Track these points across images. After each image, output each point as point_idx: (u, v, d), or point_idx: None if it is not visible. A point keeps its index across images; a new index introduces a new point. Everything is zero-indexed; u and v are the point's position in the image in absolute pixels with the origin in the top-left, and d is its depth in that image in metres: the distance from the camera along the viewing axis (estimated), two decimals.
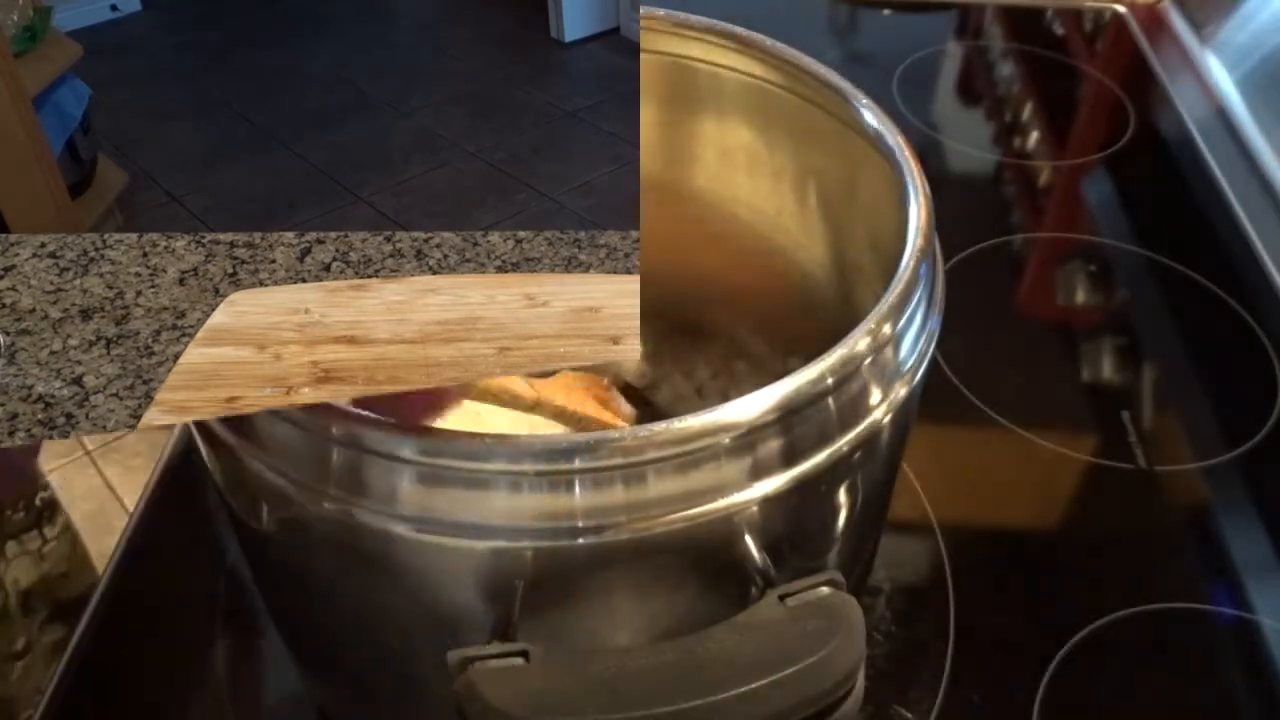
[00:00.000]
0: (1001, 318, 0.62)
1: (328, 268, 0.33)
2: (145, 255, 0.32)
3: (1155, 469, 0.52)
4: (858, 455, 0.28)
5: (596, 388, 0.43)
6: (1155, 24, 0.86)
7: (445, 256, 0.47)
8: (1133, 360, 0.59)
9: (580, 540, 0.25)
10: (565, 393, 0.41)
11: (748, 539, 0.27)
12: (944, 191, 0.65)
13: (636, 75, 0.40)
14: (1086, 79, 0.82)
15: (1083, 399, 0.57)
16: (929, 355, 0.30)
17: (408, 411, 0.28)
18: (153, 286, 0.31)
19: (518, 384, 0.40)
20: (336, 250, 0.34)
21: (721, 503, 0.25)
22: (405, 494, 0.25)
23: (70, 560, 0.65)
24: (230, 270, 0.33)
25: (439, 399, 0.28)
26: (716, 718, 0.24)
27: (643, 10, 0.39)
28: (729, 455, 0.25)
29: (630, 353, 0.29)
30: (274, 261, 0.33)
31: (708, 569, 0.27)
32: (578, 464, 0.24)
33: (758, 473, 0.26)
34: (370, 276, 0.33)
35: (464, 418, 0.46)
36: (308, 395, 0.26)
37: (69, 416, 0.27)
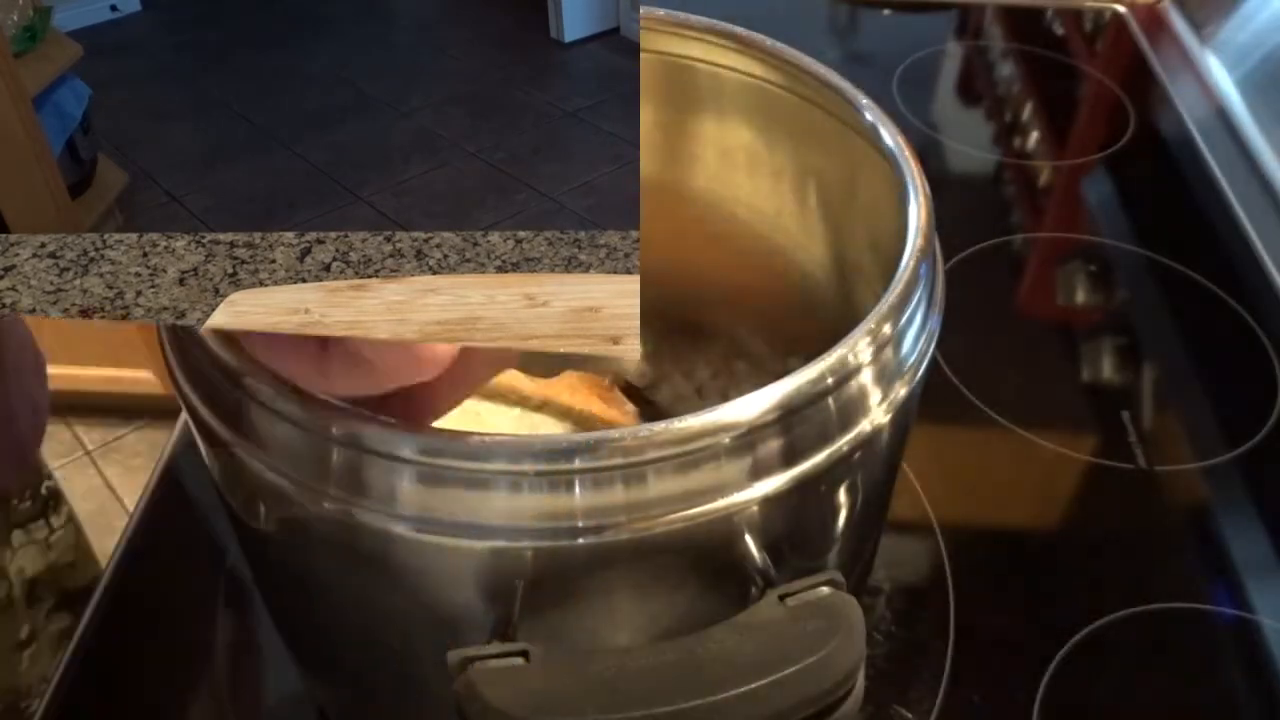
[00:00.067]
0: (1001, 318, 0.62)
1: (328, 268, 0.33)
2: (145, 255, 0.32)
3: (1155, 469, 0.52)
4: (858, 455, 0.28)
5: (599, 387, 0.43)
6: (1155, 24, 0.86)
7: (445, 256, 0.47)
8: (1133, 360, 0.59)
9: (580, 540, 0.25)
10: (569, 392, 0.41)
11: (748, 539, 0.27)
12: (944, 191, 0.65)
13: (636, 75, 0.40)
14: (1086, 79, 0.82)
15: (1083, 399, 0.57)
16: (929, 355, 0.30)
17: (411, 403, 0.28)
18: (153, 287, 0.31)
19: (523, 381, 0.40)
20: (336, 250, 0.34)
21: (721, 503, 0.25)
22: (405, 494, 0.25)
23: (77, 550, 0.65)
24: (230, 270, 0.33)
25: (444, 388, 0.28)
26: (716, 718, 0.24)
27: (643, 10, 0.39)
28: (729, 455, 0.25)
29: (630, 353, 0.29)
30: (274, 261, 0.33)
31: (708, 569, 0.27)
32: (578, 464, 0.24)
33: (758, 473, 0.26)
34: (370, 276, 0.33)
35: (464, 418, 0.46)
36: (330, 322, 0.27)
37: None
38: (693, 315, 0.48)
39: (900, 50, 0.83)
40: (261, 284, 0.33)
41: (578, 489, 0.24)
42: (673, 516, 0.25)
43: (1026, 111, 0.78)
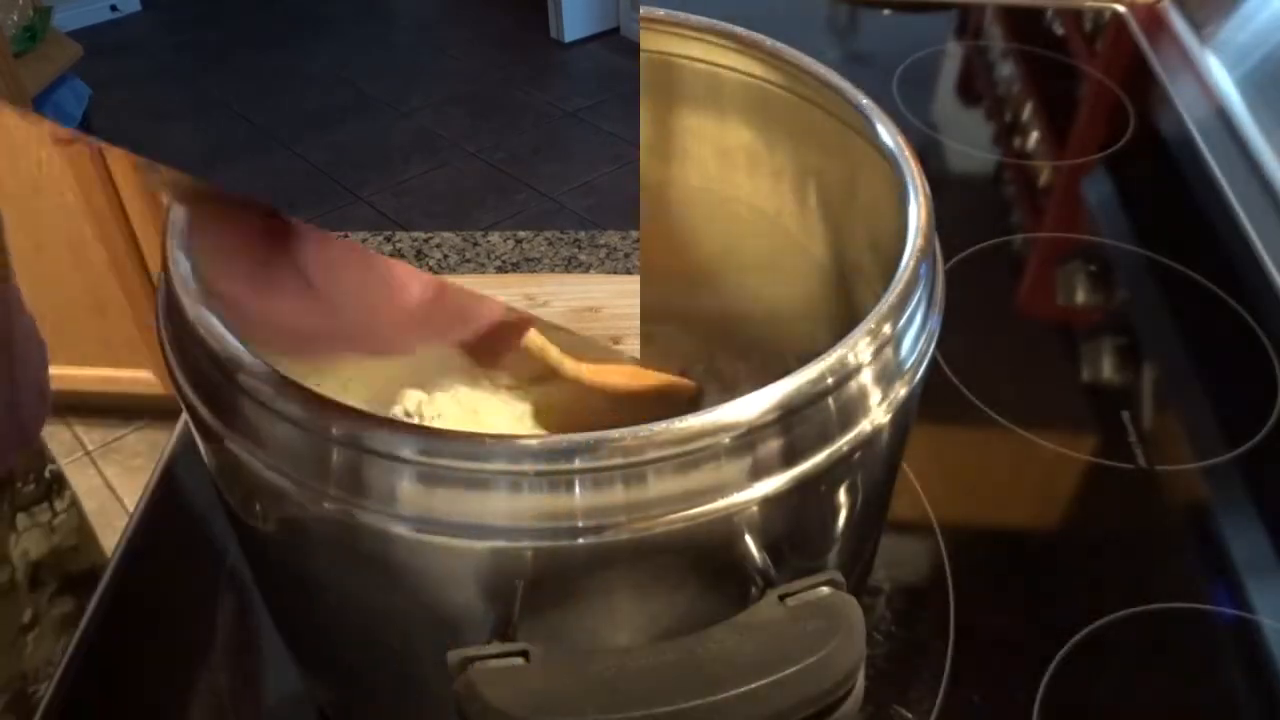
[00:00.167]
0: (1001, 318, 0.62)
1: None
2: None
3: (1155, 469, 0.52)
4: (858, 455, 0.28)
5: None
6: (1155, 24, 0.86)
7: (445, 256, 0.47)
8: (1133, 360, 0.59)
9: (580, 540, 0.25)
10: (615, 374, 0.40)
11: (748, 539, 0.27)
12: (944, 191, 0.65)
13: (636, 75, 0.40)
14: (1086, 79, 0.82)
15: (1083, 399, 0.57)
16: (929, 355, 0.30)
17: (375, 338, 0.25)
18: None
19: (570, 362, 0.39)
20: None
21: (721, 503, 0.25)
22: (405, 494, 0.25)
23: (80, 533, 0.65)
24: None
25: (418, 326, 0.25)
26: (716, 718, 0.24)
27: (643, 10, 0.39)
28: (729, 455, 0.25)
29: (630, 353, 0.29)
30: None
31: (708, 569, 0.27)
32: (578, 464, 0.24)
33: (758, 473, 0.26)
34: None
35: (464, 417, 0.46)
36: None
37: None
38: (692, 314, 0.48)
39: (900, 50, 0.83)
40: None
41: (578, 489, 0.24)
42: (673, 516, 0.25)
43: (1026, 111, 0.78)
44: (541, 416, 0.42)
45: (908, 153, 0.34)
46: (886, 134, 0.34)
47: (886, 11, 0.91)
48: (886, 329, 0.28)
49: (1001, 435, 0.53)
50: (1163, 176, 0.72)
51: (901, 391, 0.29)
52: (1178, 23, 0.85)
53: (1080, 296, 0.64)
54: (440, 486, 0.25)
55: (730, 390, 0.48)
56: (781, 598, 0.27)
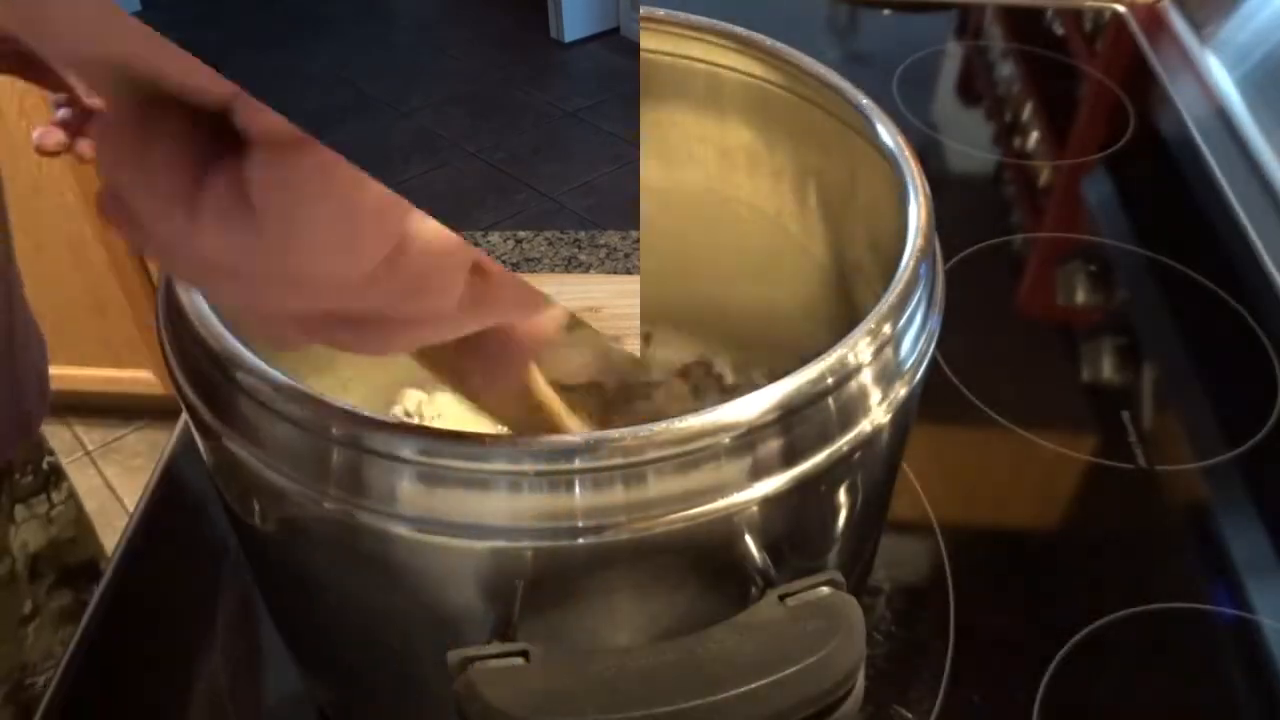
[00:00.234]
0: (1001, 318, 0.62)
1: None
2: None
3: (1155, 469, 0.52)
4: (858, 455, 0.28)
5: None
6: (1155, 24, 0.86)
7: None
8: (1133, 360, 0.59)
9: (580, 540, 0.25)
10: None
11: (748, 539, 0.27)
12: (944, 191, 0.65)
13: (636, 75, 0.40)
14: (1086, 79, 0.82)
15: (1083, 399, 0.57)
16: (929, 355, 0.30)
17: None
18: None
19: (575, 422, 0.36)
20: None
21: (721, 503, 0.25)
22: (405, 494, 0.25)
23: (78, 525, 0.65)
24: None
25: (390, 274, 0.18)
26: (716, 718, 0.24)
27: (643, 10, 0.39)
28: (729, 455, 0.25)
29: (630, 353, 0.29)
30: None
31: (708, 569, 0.27)
32: (578, 464, 0.24)
33: (758, 473, 0.26)
34: None
35: (464, 417, 0.46)
36: None
37: None
38: (691, 315, 0.48)
39: (900, 50, 0.83)
40: None
41: (578, 489, 0.24)
42: (673, 516, 0.25)
43: (1026, 111, 0.78)
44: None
45: (908, 153, 0.34)
46: (886, 134, 0.34)
47: (886, 11, 0.91)
48: (886, 329, 0.28)
49: (1001, 435, 0.53)
50: (1163, 176, 0.72)
51: (901, 391, 0.29)
52: (1178, 23, 0.85)
53: (1080, 296, 0.64)
54: (440, 486, 0.25)
55: (730, 391, 0.48)
56: (781, 598, 0.27)
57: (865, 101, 0.36)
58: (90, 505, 0.69)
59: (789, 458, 0.26)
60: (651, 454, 0.24)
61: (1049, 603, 0.46)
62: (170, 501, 0.49)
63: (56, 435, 1.54)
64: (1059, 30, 0.88)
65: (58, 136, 0.45)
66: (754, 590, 0.28)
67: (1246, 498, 0.51)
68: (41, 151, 0.46)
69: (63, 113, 0.45)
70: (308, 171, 0.17)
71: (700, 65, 0.40)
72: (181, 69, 0.17)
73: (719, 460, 0.25)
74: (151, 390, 1.45)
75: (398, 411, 0.46)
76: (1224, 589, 0.46)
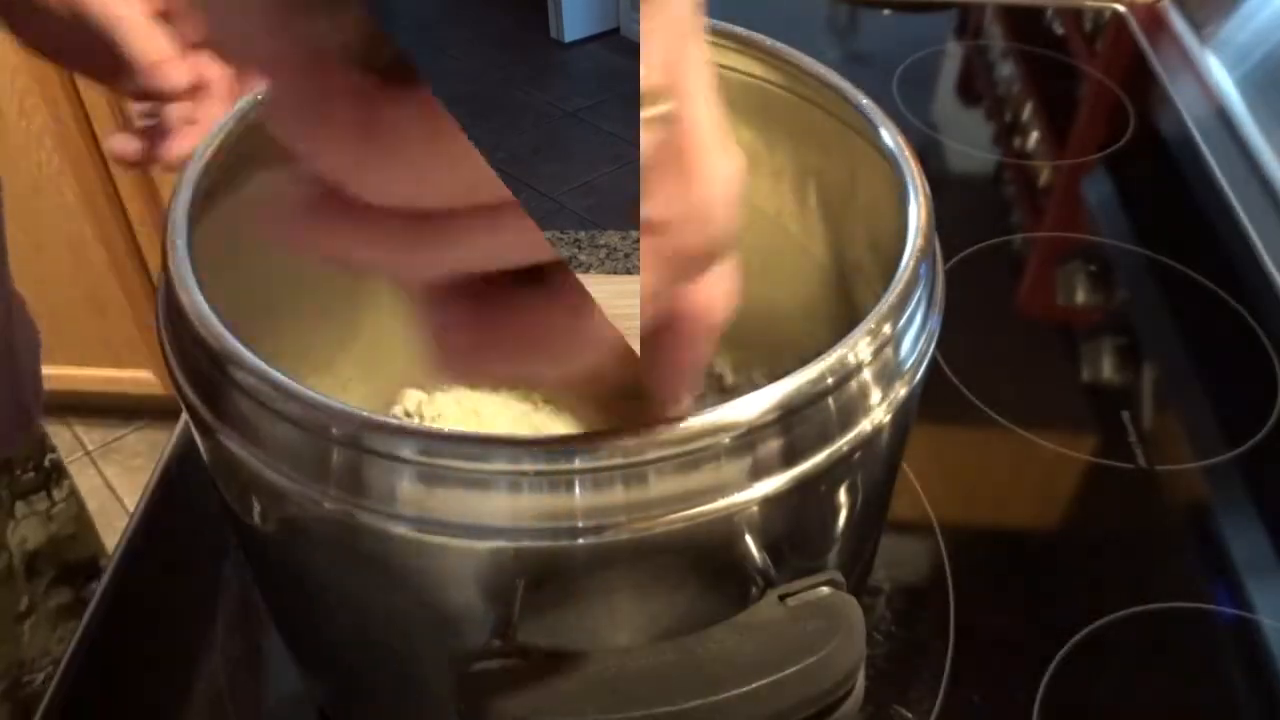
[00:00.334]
0: (1001, 318, 0.62)
1: None
2: None
3: (1155, 469, 0.52)
4: (858, 455, 0.28)
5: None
6: (1155, 24, 0.86)
7: None
8: (1133, 360, 0.59)
9: (580, 540, 0.25)
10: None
11: (748, 539, 0.27)
12: (944, 191, 0.65)
13: (636, 75, 0.40)
14: (1086, 79, 0.82)
15: (1083, 399, 0.57)
16: (929, 355, 0.30)
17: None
18: None
19: None
20: None
21: (721, 503, 0.25)
22: (405, 494, 0.25)
23: (78, 522, 0.65)
24: None
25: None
26: (717, 718, 0.24)
27: None
28: (729, 455, 0.25)
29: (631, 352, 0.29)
30: None
31: (708, 569, 0.27)
32: (578, 464, 0.24)
33: (758, 473, 0.26)
34: None
35: (464, 417, 0.46)
36: None
37: None
38: None
39: (900, 50, 0.83)
40: None
41: (578, 489, 0.24)
42: (673, 516, 0.25)
43: (1026, 111, 0.78)
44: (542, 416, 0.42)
45: (908, 153, 0.34)
46: (886, 134, 0.34)
47: (886, 11, 0.91)
48: (886, 329, 0.28)
49: (1001, 435, 0.53)
50: (1163, 176, 0.72)
51: (901, 391, 0.29)
52: (1178, 22, 0.85)
53: (1080, 296, 0.64)
54: (440, 486, 0.25)
55: (729, 391, 0.48)
56: (781, 598, 0.27)
57: (865, 102, 0.36)
58: (90, 505, 0.69)
59: (789, 458, 0.26)
60: (651, 454, 0.24)
61: (1049, 603, 0.46)
62: (170, 501, 0.49)
63: (56, 435, 1.54)
64: (1059, 30, 0.88)
65: (137, 144, 0.45)
66: (754, 590, 0.28)
67: (1246, 498, 0.51)
68: (119, 159, 0.45)
69: (147, 121, 0.45)
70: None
71: None
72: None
73: (719, 460, 0.25)
74: (151, 390, 1.45)
75: (398, 411, 0.46)
76: (1224, 589, 0.46)
